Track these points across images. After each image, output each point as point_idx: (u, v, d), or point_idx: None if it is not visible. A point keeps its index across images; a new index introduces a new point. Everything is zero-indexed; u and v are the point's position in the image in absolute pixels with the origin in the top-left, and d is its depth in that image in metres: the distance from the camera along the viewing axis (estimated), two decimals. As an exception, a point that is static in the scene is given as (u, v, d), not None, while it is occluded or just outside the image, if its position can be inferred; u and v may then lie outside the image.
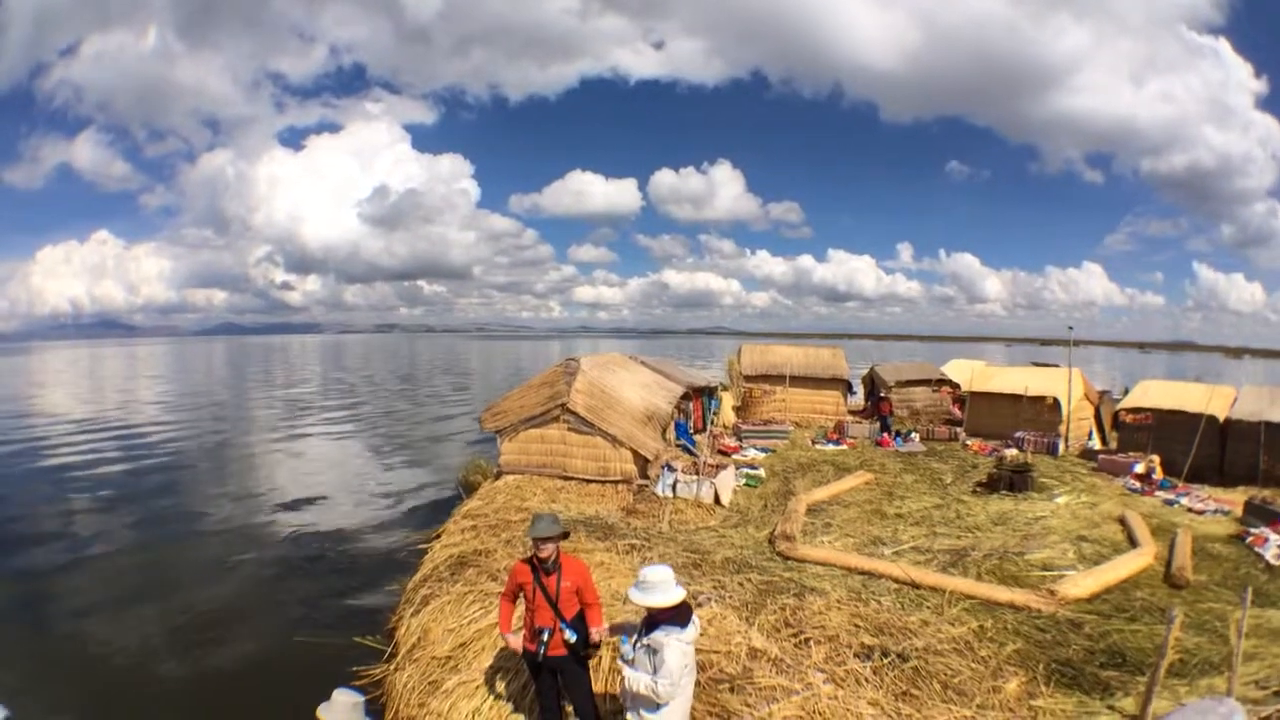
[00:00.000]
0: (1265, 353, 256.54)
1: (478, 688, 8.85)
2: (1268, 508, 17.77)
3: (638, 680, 6.17)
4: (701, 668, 9.28)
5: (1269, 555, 15.12)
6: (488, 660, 9.35)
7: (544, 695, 7.62)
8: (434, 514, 20.06)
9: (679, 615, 6.32)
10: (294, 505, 22.04)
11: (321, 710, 6.18)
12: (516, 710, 8.39)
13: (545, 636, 7.09)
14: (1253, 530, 16.68)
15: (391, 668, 10.38)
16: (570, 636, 7.12)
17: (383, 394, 57.84)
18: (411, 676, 9.50)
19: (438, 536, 15.45)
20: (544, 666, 7.35)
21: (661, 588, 6.25)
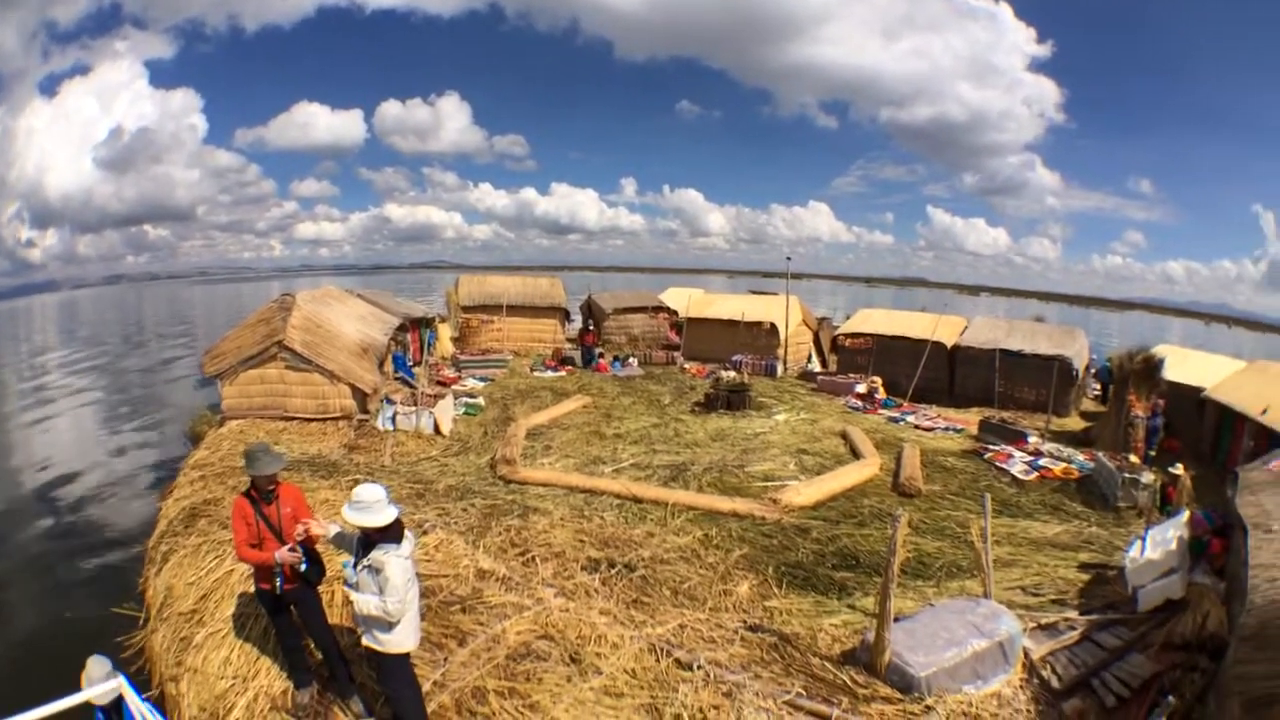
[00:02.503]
0: (1006, 291, 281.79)
1: (224, 637, 8.69)
2: (1008, 427, 19.21)
3: (366, 603, 6.20)
4: (431, 592, 9.57)
5: (1015, 470, 16.33)
6: (229, 608, 9.20)
7: (284, 634, 7.59)
8: (171, 469, 18.88)
9: (392, 532, 6.32)
10: (36, 481, 20.17)
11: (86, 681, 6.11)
12: (263, 653, 8.27)
13: (278, 570, 7.01)
14: (992, 447, 18.06)
15: (148, 631, 9.94)
16: (302, 566, 7.07)
17: (111, 351, 53.04)
18: (165, 637, 9.17)
19: (171, 491, 14.73)
20: (282, 602, 7.30)
21: (375, 508, 6.19)
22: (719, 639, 8.95)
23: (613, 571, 10.64)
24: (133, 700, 5.89)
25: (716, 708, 7.49)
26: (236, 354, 18.74)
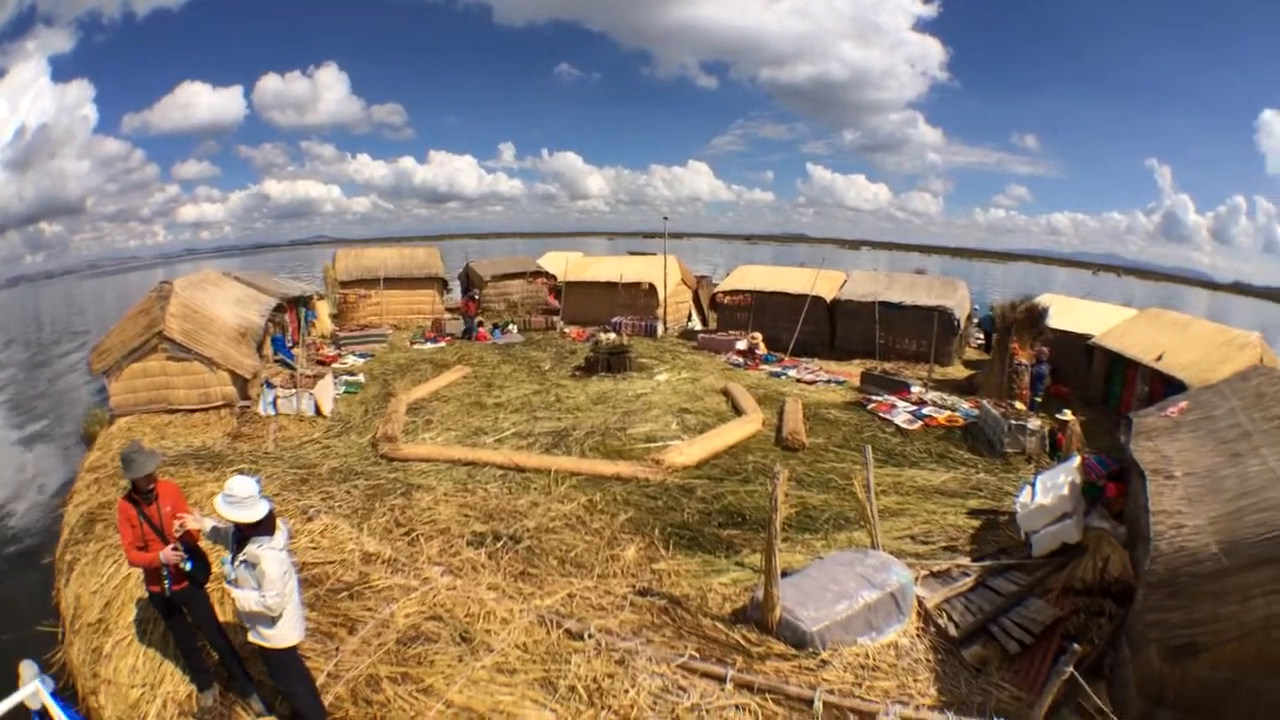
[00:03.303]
0: (887, 245, 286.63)
1: (129, 644, 8.61)
2: (891, 378, 20.05)
3: (247, 599, 6.21)
4: (319, 580, 9.83)
5: (899, 420, 17.00)
6: (131, 614, 9.11)
7: (180, 636, 7.61)
8: (73, 474, 18.53)
9: (264, 525, 6.32)
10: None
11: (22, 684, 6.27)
12: (166, 658, 8.24)
13: (165, 572, 6.98)
14: (875, 398, 18.79)
15: (66, 645, 9.59)
16: (187, 565, 7.01)
17: (10, 359, 51.13)
18: (80, 650, 8.98)
19: (71, 498, 14.59)
20: (173, 604, 7.29)
21: (247, 503, 6.19)
22: (609, 606, 9.17)
23: (499, 545, 10.94)
24: (50, 705, 6.05)
25: (610, 676, 7.64)
26: (121, 348, 18.46)
